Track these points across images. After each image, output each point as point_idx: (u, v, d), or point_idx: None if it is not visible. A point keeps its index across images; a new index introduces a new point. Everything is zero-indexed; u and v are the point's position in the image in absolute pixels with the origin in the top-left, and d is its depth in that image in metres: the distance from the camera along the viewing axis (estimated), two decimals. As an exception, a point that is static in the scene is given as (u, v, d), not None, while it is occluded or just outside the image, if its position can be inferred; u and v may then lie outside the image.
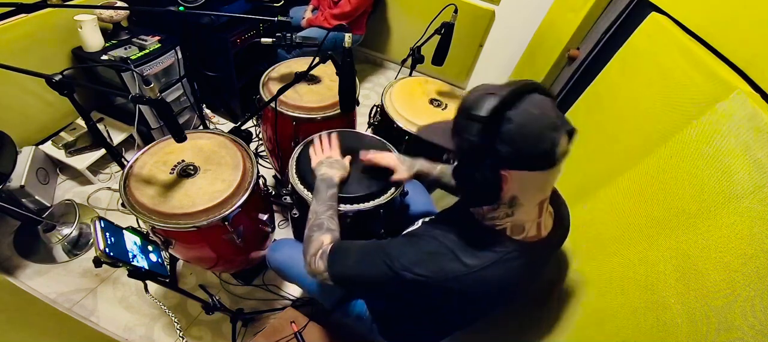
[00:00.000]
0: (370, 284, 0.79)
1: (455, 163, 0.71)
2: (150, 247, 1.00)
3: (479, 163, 0.62)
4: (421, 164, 1.11)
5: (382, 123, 1.57)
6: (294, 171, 1.18)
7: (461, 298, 0.72)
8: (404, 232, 0.86)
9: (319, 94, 1.51)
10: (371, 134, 1.39)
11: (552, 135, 0.58)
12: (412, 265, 0.69)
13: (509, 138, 0.58)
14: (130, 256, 0.89)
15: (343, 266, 0.79)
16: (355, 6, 2.25)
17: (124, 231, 0.93)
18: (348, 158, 1.13)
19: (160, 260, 1.01)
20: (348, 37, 1.06)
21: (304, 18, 2.46)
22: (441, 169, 1.10)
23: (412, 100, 1.55)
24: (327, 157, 1.11)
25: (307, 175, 1.15)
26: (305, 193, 1.12)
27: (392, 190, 1.13)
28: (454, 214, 0.80)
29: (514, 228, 0.69)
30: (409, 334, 1.00)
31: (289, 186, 1.21)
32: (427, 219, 0.89)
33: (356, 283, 0.81)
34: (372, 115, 1.65)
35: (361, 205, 1.08)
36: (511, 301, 0.82)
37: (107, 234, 0.84)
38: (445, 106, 1.55)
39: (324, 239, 0.85)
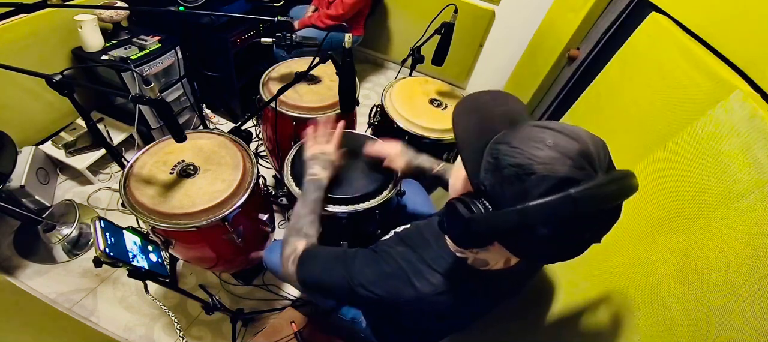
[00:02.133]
0: (333, 293, 0.78)
1: (454, 196, 0.57)
2: (150, 247, 1.00)
3: (480, 225, 0.50)
4: (423, 160, 1.08)
5: (382, 123, 1.57)
6: (289, 173, 1.18)
7: (416, 318, 0.72)
8: (374, 244, 0.84)
9: (319, 94, 1.51)
10: (370, 135, 1.39)
11: (576, 253, 0.51)
12: (368, 284, 0.69)
13: (535, 240, 0.47)
14: (130, 256, 0.89)
15: (310, 273, 0.78)
16: (347, 8, 2.23)
17: (124, 231, 0.93)
18: (341, 152, 1.06)
19: (160, 260, 1.01)
20: (348, 38, 1.06)
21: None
22: (443, 167, 1.09)
23: (412, 100, 1.55)
24: (322, 151, 1.02)
25: (303, 177, 1.15)
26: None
27: (386, 191, 1.13)
28: (426, 229, 0.77)
29: (477, 261, 0.67)
30: (400, 338, 1.00)
31: (285, 187, 1.21)
32: (400, 229, 0.86)
33: (321, 290, 0.80)
34: (372, 115, 1.65)
35: (356, 206, 1.08)
36: (475, 320, 0.81)
37: (107, 234, 0.84)
38: (445, 106, 1.55)
39: (298, 245, 0.83)
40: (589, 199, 0.42)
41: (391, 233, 0.86)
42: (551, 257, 0.52)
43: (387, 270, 0.69)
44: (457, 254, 0.68)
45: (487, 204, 0.50)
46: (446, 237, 0.71)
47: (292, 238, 0.86)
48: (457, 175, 0.65)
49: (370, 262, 0.72)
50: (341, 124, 1.08)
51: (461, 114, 0.58)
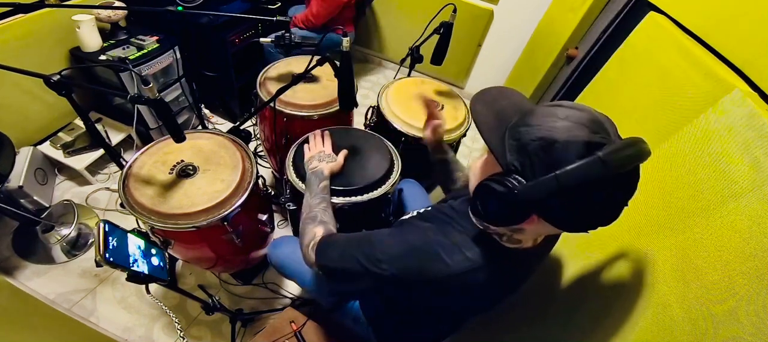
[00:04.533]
0: (353, 278, 0.77)
1: (486, 175, 0.60)
2: (153, 251, 0.99)
3: (520, 197, 0.52)
4: (448, 149, 1.12)
5: (378, 124, 1.56)
6: (291, 169, 1.19)
7: (442, 297, 0.71)
8: (396, 222, 0.84)
9: (316, 93, 1.51)
10: (368, 131, 1.39)
11: (613, 218, 0.54)
12: (394, 259, 0.67)
13: (573, 207, 0.52)
14: (131, 261, 0.88)
15: (329, 259, 0.78)
16: (316, 17, 2.19)
17: (129, 234, 0.91)
18: (343, 153, 1.15)
19: (161, 264, 1.00)
20: (346, 41, 1.06)
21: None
22: (454, 157, 1.10)
23: (408, 101, 1.55)
24: (319, 151, 1.15)
25: (303, 170, 1.16)
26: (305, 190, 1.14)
27: (387, 185, 1.14)
28: (449, 209, 0.78)
29: (510, 240, 0.67)
30: (402, 338, 1.00)
31: (287, 190, 1.21)
32: (422, 210, 0.86)
33: (340, 277, 0.79)
34: (368, 116, 1.64)
35: (356, 197, 1.09)
36: (499, 302, 0.80)
37: (110, 238, 0.83)
38: (442, 108, 1.55)
39: (316, 231, 0.85)
40: (615, 160, 0.47)
41: (414, 212, 0.86)
42: (591, 223, 0.54)
43: (416, 244, 0.68)
44: (489, 232, 0.68)
45: (520, 178, 0.53)
46: (475, 219, 0.70)
47: (308, 226, 0.87)
48: (474, 168, 0.69)
49: (395, 237, 0.72)
50: (326, 133, 1.23)
51: (479, 108, 0.62)
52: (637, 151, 0.49)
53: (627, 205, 0.53)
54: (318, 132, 1.23)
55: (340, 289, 1.11)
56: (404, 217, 0.86)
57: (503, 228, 0.65)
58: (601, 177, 0.47)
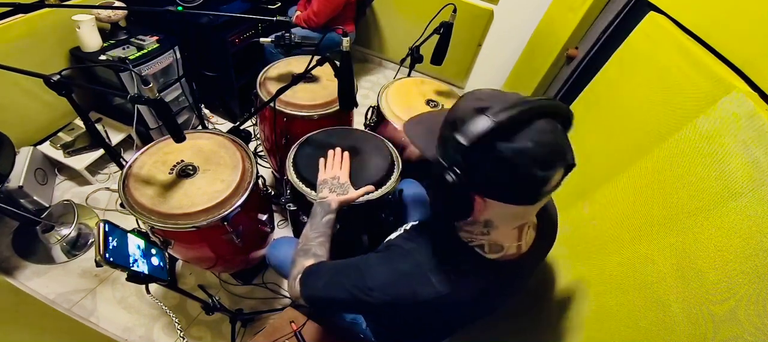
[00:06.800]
0: (341, 307, 0.77)
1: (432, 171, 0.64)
2: (153, 251, 0.99)
3: (438, 172, 0.57)
4: None
5: (379, 124, 1.56)
6: (291, 170, 1.19)
7: (435, 315, 0.71)
8: (381, 245, 0.83)
9: (316, 93, 1.51)
10: (368, 131, 1.39)
11: (544, 174, 0.52)
12: (383, 287, 0.67)
13: (490, 170, 0.53)
14: (131, 261, 0.87)
15: (315, 289, 0.76)
16: (316, 16, 2.19)
17: (129, 234, 0.91)
18: (362, 190, 1.06)
19: (161, 264, 1.00)
20: (346, 41, 1.06)
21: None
22: None
23: (408, 100, 1.54)
24: (333, 176, 1.06)
25: (303, 170, 1.17)
26: (305, 190, 1.14)
27: (387, 186, 1.14)
28: (435, 223, 0.77)
29: (492, 246, 0.66)
30: (400, 340, 1.00)
31: (287, 190, 1.21)
32: (408, 226, 0.87)
33: (328, 306, 0.78)
34: (368, 116, 1.64)
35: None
36: (492, 312, 0.80)
37: (110, 238, 0.83)
38: (442, 107, 1.55)
39: (306, 263, 0.82)
40: (500, 112, 0.50)
41: (401, 230, 0.86)
42: (527, 186, 0.54)
43: (403, 269, 0.68)
44: (472, 244, 0.67)
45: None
46: (455, 227, 0.70)
47: (299, 259, 0.85)
48: None
49: (382, 263, 0.71)
50: (346, 154, 1.14)
51: (409, 125, 0.72)
52: (538, 103, 0.53)
53: (568, 165, 0.54)
54: (338, 151, 1.14)
55: (328, 316, 1.13)
56: (391, 238, 0.85)
57: (477, 229, 0.65)
58: (491, 128, 0.50)
